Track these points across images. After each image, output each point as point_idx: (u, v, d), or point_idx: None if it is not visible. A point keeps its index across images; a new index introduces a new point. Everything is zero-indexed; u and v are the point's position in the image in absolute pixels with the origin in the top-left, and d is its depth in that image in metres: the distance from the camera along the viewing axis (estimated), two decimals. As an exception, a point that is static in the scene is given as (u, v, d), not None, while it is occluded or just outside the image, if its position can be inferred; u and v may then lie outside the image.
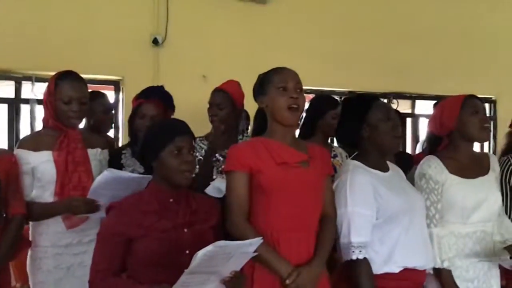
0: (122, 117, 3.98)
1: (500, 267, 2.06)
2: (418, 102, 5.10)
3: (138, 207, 1.65)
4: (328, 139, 2.82)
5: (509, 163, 2.20)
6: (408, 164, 2.46)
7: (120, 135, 4.00)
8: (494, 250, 2.02)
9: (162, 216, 1.65)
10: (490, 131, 2.08)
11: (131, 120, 2.48)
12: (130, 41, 3.96)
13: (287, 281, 1.65)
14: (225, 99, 2.51)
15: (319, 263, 1.72)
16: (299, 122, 1.88)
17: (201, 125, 2.60)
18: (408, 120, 4.93)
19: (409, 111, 5.09)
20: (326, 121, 2.63)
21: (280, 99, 1.77)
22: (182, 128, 1.72)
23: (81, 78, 2.18)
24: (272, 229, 1.72)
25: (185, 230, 1.65)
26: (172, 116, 2.50)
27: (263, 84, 1.84)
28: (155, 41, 4.00)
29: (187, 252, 1.56)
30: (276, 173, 1.74)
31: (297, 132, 2.67)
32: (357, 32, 4.67)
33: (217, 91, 2.57)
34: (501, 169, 2.18)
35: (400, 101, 4.88)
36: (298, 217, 1.74)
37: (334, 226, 1.83)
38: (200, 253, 1.40)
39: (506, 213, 2.16)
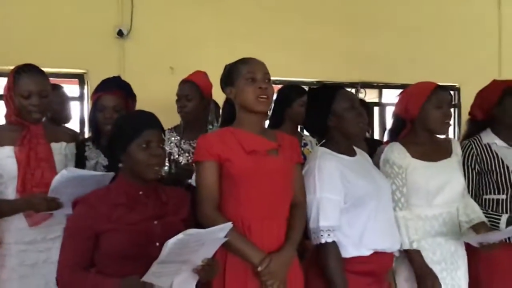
0: (87, 111, 3.90)
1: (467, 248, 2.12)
2: (385, 91, 5.19)
3: (106, 200, 1.62)
4: (297, 128, 2.84)
5: (470, 146, 2.26)
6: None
7: (86, 129, 3.92)
8: (461, 231, 2.08)
9: (131, 209, 1.63)
10: (450, 125, 2.12)
11: (92, 114, 2.44)
12: (94, 33, 3.87)
13: (259, 268, 1.67)
14: (193, 90, 2.49)
15: (290, 250, 1.74)
16: (268, 112, 1.89)
17: (169, 117, 2.57)
18: (376, 109, 5.02)
19: (376, 100, 5.18)
20: (294, 109, 2.65)
21: (248, 90, 1.77)
22: (151, 121, 1.69)
23: (41, 70, 2.12)
24: (242, 218, 1.73)
25: (155, 222, 1.64)
26: (138, 108, 2.46)
27: (231, 74, 1.83)
28: (120, 33, 3.92)
29: (157, 244, 1.55)
30: (245, 161, 1.74)
31: (267, 122, 2.69)
32: (324, 22, 4.70)
33: (184, 82, 2.55)
34: (463, 153, 2.25)
35: (368, 90, 4.95)
36: (268, 205, 1.75)
37: (304, 212, 1.85)
38: (170, 241, 1.39)
39: (470, 195, 2.21)
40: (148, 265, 1.44)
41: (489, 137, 2.27)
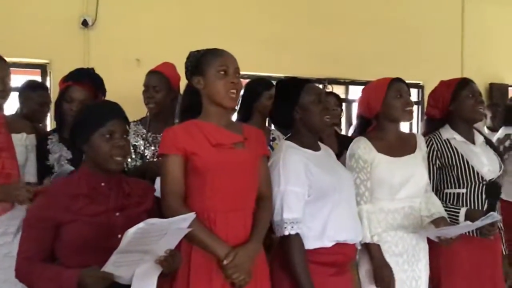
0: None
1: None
2: (351, 87, 5.27)
3: (66, 191, 1.59)
4: (266, 122, 2.84)
5: (431, 142, 2.32)
6: (348, 146, 2.53)
7: (47, 121, 3.81)
8: (422, 225, 2.13)
9: (93, 200, 1.59)
10: (413, 111, 2.19)
11: (58, 104, 2.36)
12: (58, 23, 3.77)
13: (225, 262, 1.66)
14: (161, 81, 2.45)
15: (256, 243, 1.74)
16: (235, 106, 1.88)
17: (135, 110, 2.53)
18: (343, 105, 5.07)
19: (343, 96, 5.24)
20: (262, 102, 2.65)
21: (220, 83, 1.76)
22: (115, 111, 1.66)
23: (0, 56, 2.04)
24: (208, 211, 1.72)
25: (117, 214, 1.61)
26: (104, 100, 2.41)
27: (201, 64, 1.80)
28: (85, 23, 3.83)
29: (119, 236, 1.51)
30: (211, 155, 1.73)
31: (235, 116, 2.69)
32: (293, 17, 4.72)
33: (152, 73, 2.51)
34: None
35: (334, 86, 5.01)
36: (234, 198, 1.75)
37: (270, 205, 1.86)
38: (131, 230, 1.37)
39: (432, 189, 2.27)
40: (109, 257, 1.42)
41: (448, 133, 2.33)
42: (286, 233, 1.84)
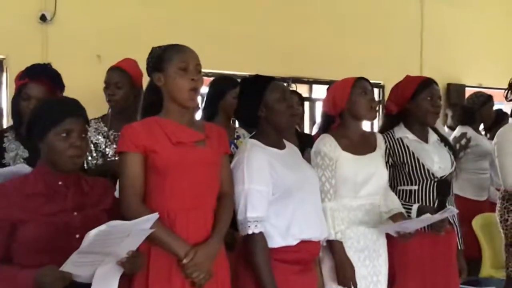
0: (5, 99, 3.65)
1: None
2: (315, 86, 5.32)
3: (22, 190, 1.54)
4: (230, 120, 2.84)
5: (384, 140, 2.37)
6: (309, 144, 2.56)
7: (4, 119, 3.68)
8: (381, 220, 2.18)
9: (50, 199, 1.55)
10: (378, 111, 2.24)
11: (15, 101, 2.28)
12: (15, 17, 3.63)
13: (184, 261, 1.64)
14: (122, 78, 2.41)
15: (216, 242, 1.73)
16: (198, 104, 1.86)
17: (96, 108, 2.48)
18: (306, 104, 5.13)
19: (307, 95, 5.29)
20: (227, 101, 2.63)
21: (180, 80, 1.73)
22: (73, 108, 1.62)
23: None
24: (168, 210, 1.70)
25: (75, 213, 1.57)
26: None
27: (161, 60, 1.77)
28: (43, 18, 3.70)
29: (77, 236, 1.49)
30: (171, 153, 1.70)
31: (199, 114, 2.67)
32: (257, 15, 4.73)
33: (113, 69, 2.46)
34: None
35: (298, 85, 5.04)
36: (194, 197, 1.73)
37: (231, 204, 1.85)
38: (93, 232, 1.34)
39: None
40: (67, 257, 1.38)
41: (401, 132, 2.38)
42: (250, 232, 1.83)
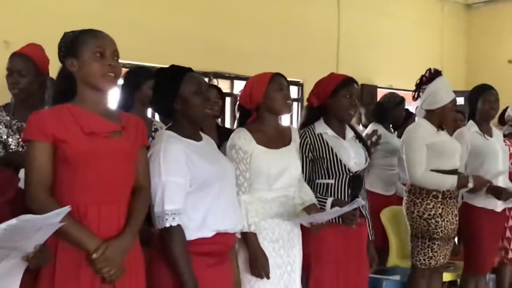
0: None
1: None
2: (236, 82, 5.35)
3: None
4: (147, 112, 2.76)
5: (305, 135, 2.45)
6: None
7: None
8: (295, 212, 2.24)
9: None
10: (292, 105, 2.29)
11: None
12: None
13: (94, 256, 1.57)
14: (26, 65, 2.25)
15: (129, 236, 1.67)
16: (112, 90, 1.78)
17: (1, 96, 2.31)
18: (227, 99, 5.13)
19: (228, 90, 5.30)
20: (143, 92, 2.56)
21: (95, 65, 1.65)
22: None
23: None
24: (79, 203, 1.61)
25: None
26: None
27: (74, 45, 1.68)
28: None
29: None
30: (83, 143, 1.62)
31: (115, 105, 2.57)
32: (179, 9, 4.67)
33: (16, 55, 2.29)
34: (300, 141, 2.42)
35: (220, 80, 5.04)
36: (107, 189, 1.66)
37: (147, 197, 1.80)
38: (1, 226, 1.24)
39: (305, 180, 2.40)
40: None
41: (321, 127, 2.47)
42: (168, 225, 1.80)
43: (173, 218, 1.80)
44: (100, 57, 1.66)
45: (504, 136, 3.61)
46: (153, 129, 2.67)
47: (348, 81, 2.47)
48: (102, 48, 1.66)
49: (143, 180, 1.79)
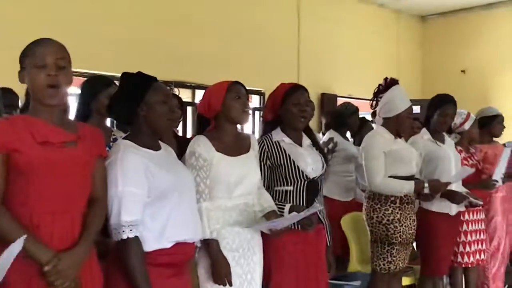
0: None
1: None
2: (198, 91, 5.34)
3: None
4: (105, 121, 2.71)
5: (263, 143, 2.46)
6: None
7: None
8: (255, 219, 2.24)
9: None
10: (250, 114, 2.30)
11: None
12: None
13: (46, 268, 1.53)
14: None
15: (83, 248, 1.63)
16: (64, 101, 1.73)
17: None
18: (189, 108, 5.12)
19: (190, 99, 5.29)
20: (100, 101, 2.50)
21: (36, 77, 1.60)
22: None
23: None
24: (32, 213, 1.58)
25: None
26: None
27: (23, 56, 1.65)
28: None
29: None
30: (36, 153, 1.58)
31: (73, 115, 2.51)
32: (141, 18, 4.63)
33: None
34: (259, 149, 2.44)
35: (181, 89, 5.02)
36: (61, 200, 1.62)
37: (103, 209, 1.77)
38: None
39: (264, 187, 2.40)
40: None
41: (278, 135, 2.49)
42: (125, 236, 1.76)
43: (130, 230, 1.77)
44: (40, 67, 1.60)
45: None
46: (112, 139, 2.62)
47: (293, 88, 2.48)
48: (42, 57, 1.60)
49: (99, 190, 1.76)
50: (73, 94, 2.77)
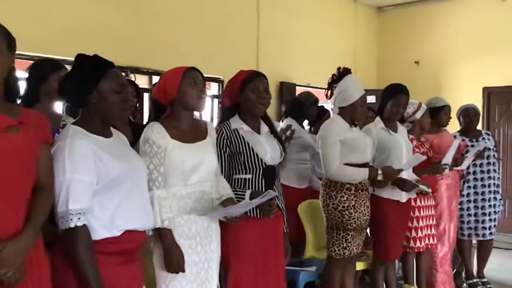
0: None
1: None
2: (154, 77, 5.23)
3: None
4: (54, 106, 2.60)
5: (221, 131, 2.44)
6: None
7: None
8: (212, 206, 2.22)
9: None
10: (205, 100, 2.27)
11: None
12: None
13: None
14: None
15: (28, 236, 1.57)
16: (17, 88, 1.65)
17: None
18: (146, 95, 5.01)
19: (147, 86, 5.18)
20: (50, 85, 2.40)
21: None
22: None
23: None
24: (-29, 202, 1.49)
25: None
26: None
27: None
28: None
29: None
30: None
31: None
32: (96, 2, 4.48)
33: None
34: (217, 137, 2.40)
35: (137, 75, 4.91)
36: (3, 187, 1.55)
37: (49, 196, 1.70)
38: None
39: (223, 176, 2.39)
40: None
41: (237, 123, 2.47)
42: (72, 225, 1.70)
43: (78, 218, 1.71)
44: None
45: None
46: (61, 124, 2.52)
47: (252, 75, 2.46)
48: None
49: (45, 178, 1.69)
50: (20, 78, 2.65)
